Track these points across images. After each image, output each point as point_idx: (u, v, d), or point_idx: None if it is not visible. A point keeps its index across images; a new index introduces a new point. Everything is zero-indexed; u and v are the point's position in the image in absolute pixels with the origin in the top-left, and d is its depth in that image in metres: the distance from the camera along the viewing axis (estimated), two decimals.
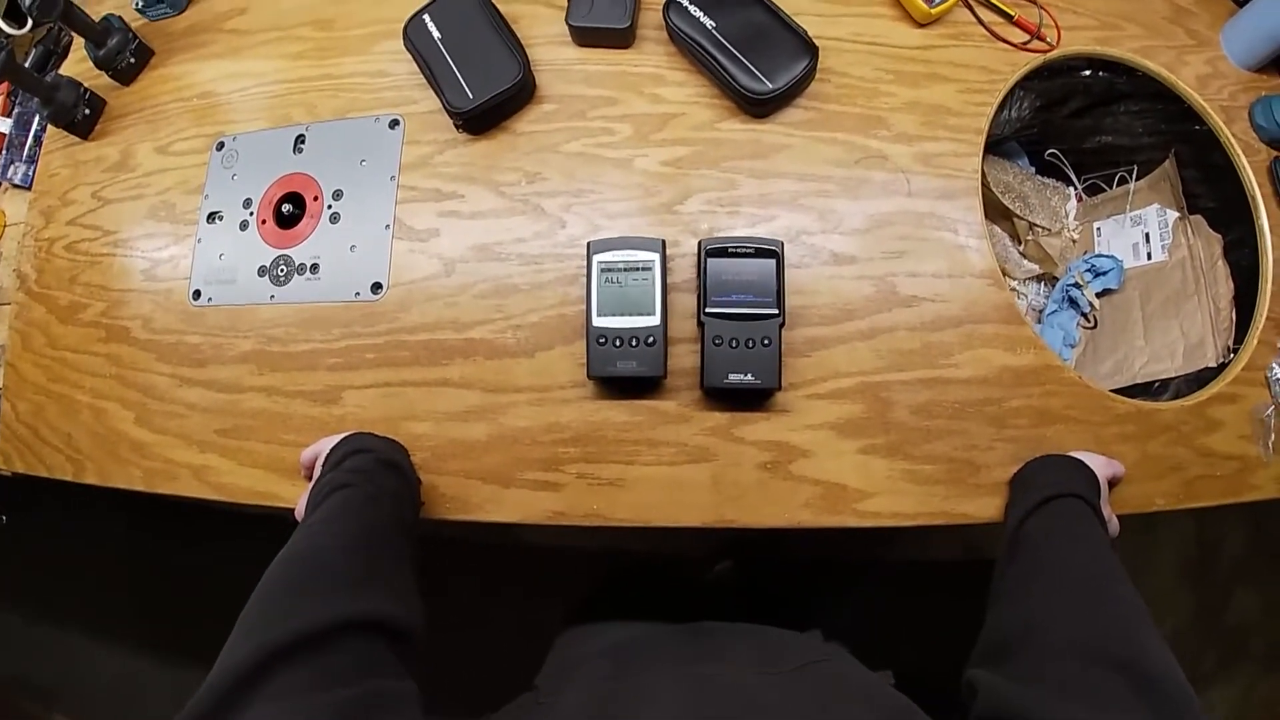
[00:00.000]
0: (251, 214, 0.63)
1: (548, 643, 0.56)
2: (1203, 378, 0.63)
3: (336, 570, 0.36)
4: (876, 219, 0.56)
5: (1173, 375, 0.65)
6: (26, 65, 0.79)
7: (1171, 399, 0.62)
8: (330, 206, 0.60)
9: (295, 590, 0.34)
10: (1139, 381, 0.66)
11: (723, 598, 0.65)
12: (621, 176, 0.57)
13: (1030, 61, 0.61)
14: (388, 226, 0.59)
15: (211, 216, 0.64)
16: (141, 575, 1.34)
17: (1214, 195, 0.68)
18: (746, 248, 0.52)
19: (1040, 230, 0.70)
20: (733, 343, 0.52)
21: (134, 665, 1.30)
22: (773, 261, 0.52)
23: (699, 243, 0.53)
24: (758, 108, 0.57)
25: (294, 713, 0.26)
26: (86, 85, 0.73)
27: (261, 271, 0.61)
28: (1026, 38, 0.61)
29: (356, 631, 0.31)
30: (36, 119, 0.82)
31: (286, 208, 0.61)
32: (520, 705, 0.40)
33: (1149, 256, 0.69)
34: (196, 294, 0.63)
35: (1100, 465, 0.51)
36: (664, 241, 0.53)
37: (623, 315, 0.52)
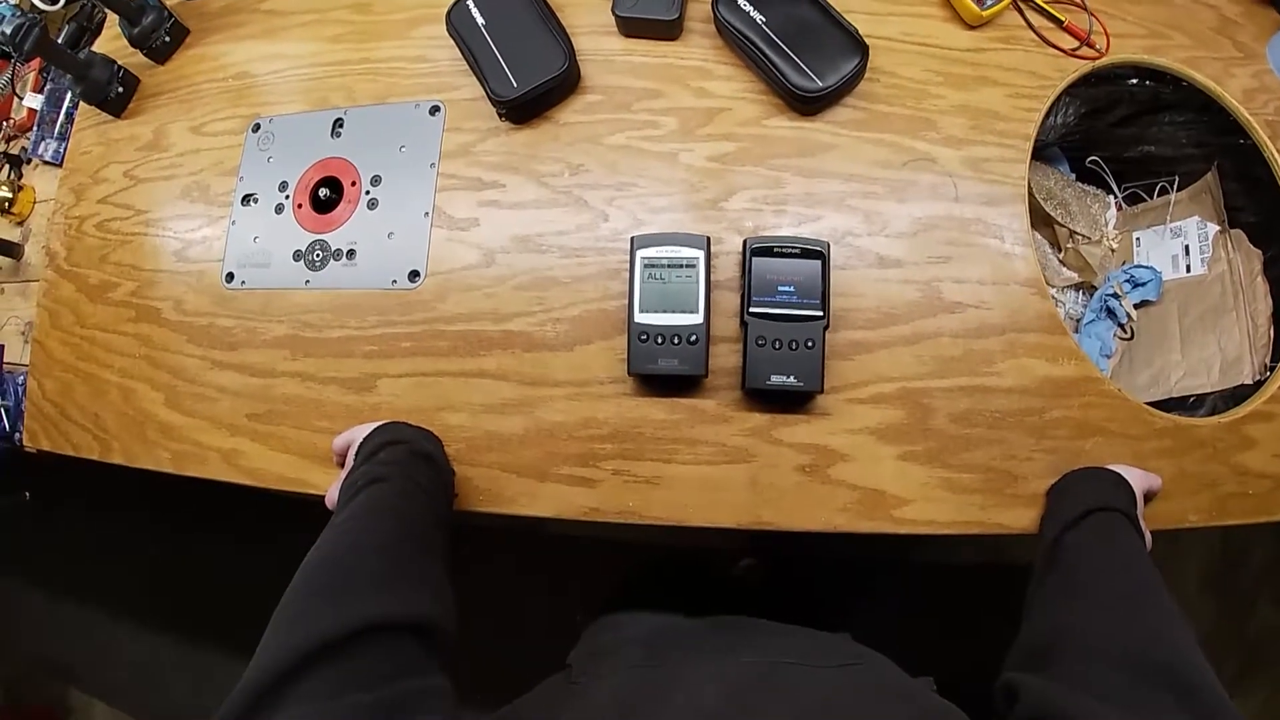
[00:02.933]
0: (287, 197, 0.61)
1: (572, 630, 0.55)
2: (1239, 394, 0.61)
3: (367, 570, 0.35)
4: (923, 223, 0.54)
5: (1209, 391, 0.63)
6: (59, 41, 0.77)
7: (1208, 415, 0.60)
8: (368, 192, 0.58)
9: (326, 591, 0.33)
10: (1174, 395, 0.64)
11: (746, 595, 0.64)
12: (666, 171, 0.55)
13: (1079, 68, 0.59)
14: (427, 214, 0.57)
15: (246, 199, 0.62)
16: (163, 555, 1.33)
17: (1256, 210, 0.66)
18: (792, 248, 0.50)
19: (1080, 238, 0.68)
20: (776, 344, 0.50)
21: (154, 644, 1.30)
22: (818, 263, 0.50)
23: (744, 241, 0.51)
24: (807, 105, 0.54)
25: (322, 716, 0.26)
26: (120, 63, 0.71)
27: (297, 256, 0.59)
28: (1076, 44, 0.59)
29: (386, 633, 0.30)
30: (69, 96, 0.80)
31: (323, 192, 0.59)
32: (552, 685, 0.39)
33: (1188, 269, 0.67)
34: (230, 276, 0.61)
35: (1138, 479, 0.49)
36: (709, 239, 0.50)
37: (665, 312, 0.50)
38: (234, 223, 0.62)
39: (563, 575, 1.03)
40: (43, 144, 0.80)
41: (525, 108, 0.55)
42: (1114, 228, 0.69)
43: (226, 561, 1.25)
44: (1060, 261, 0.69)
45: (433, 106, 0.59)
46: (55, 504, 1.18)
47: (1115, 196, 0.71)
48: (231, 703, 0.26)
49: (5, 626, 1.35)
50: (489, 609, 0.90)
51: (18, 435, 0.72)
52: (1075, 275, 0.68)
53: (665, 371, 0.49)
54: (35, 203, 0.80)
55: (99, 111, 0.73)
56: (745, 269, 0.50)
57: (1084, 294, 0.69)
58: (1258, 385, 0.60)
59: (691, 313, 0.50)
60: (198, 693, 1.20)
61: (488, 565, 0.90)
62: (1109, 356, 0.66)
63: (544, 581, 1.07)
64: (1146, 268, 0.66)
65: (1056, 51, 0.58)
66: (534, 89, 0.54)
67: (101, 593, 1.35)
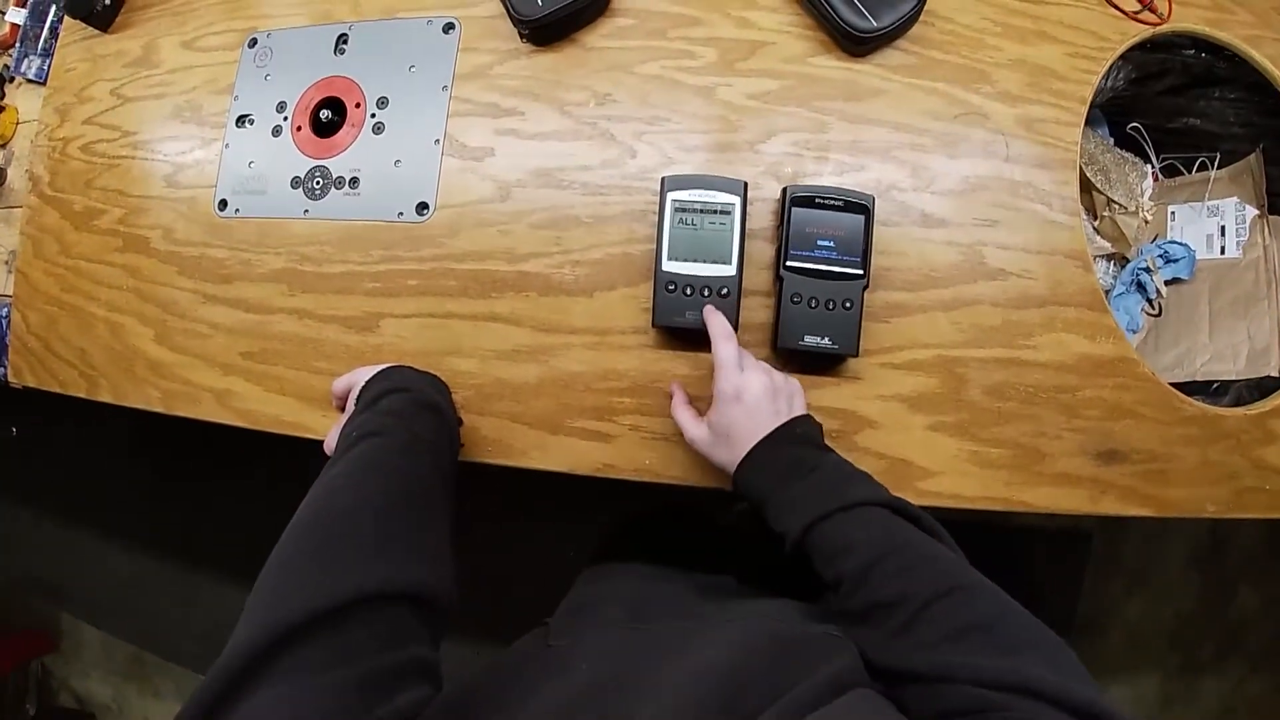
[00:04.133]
0: (286, 119, 0.53)
1: (564, 569, 0.51)
2: (1264, 385, 0.57)
3: (359, 535, 0.30)
4: (971, 182, 0.48)
5: (1234, 378, 0.59)
6: None
7: (1232, 403, 0.56)
8: (374, 115, 0.51)
9: (314, 559, 0.29)
10: (1198, 379, 0.59)
11: (740, 544, 0.60)
12: (701, 106, 0.48)
13: (1140, 32, 0.52)
14: (437, 141, 0.49)
15: (241, 120, 0.54)
16: (150, 479, 1.28)
17: None
18: (835, 200, 0.44)
19: (1117, 207, 0.62)
20: (812, 302, 0.44)
21: (140, 566, 1.26)
22: (862, 218, 0.44)
23: (784, 189, 0.45)
24: (857, 45, 0.47)
25: (302, 693, 0.23)
26: None
27: (295, 183, 0.52)
28: (1138, 7, 0.52)
29: (377, 603, 0.27)
30: (53, 9, 0.70)
31: (325, 114, 0.51)
32: (529, 644, 0.35)
33: (1222, 250, 0.62)
34: (223, 204, 0.54)
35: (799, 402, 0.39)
36: (746, 184, 0.44)
37: (696, 261, 0.44)
38: (228, 146, 0.54)
39: (553, 513, 0.99)
40: (26, 61, 0.71)
41: (550, 28, 0.48)
42: (1150, 198, 0.64)
43: (213, 488, 1.21)
44: (1095, 229, 0.63)
45: (447, 24, 0.51)
46: (43, 430, 1.12)
47: (1153, 166, 0.65)
48: (210, 679, 0.23)
49: None
50: (478, 548, 0.85)
51: (2, 371, 0.65)
52: (1108, 245, 0.62)
53: (693, 325, 0.43)
54: (18, 123, 0.71)
55: (85, 26, 0.64)
56: (784, 219, 0.44)
57: (1115, 265, 0.64)
58: None
59: (724, 264, 0.44)
60: (184, 616, 1.17)
61: (478, 501, 0.85)
62: (1135, 332, 0.61)
63: (534, 521, 1.04)
64: (1181, 244, 0.61)
65: (1118, 13, 0.52)
66: (560, 8, 0.46)
67: (90, 519, 1.30)
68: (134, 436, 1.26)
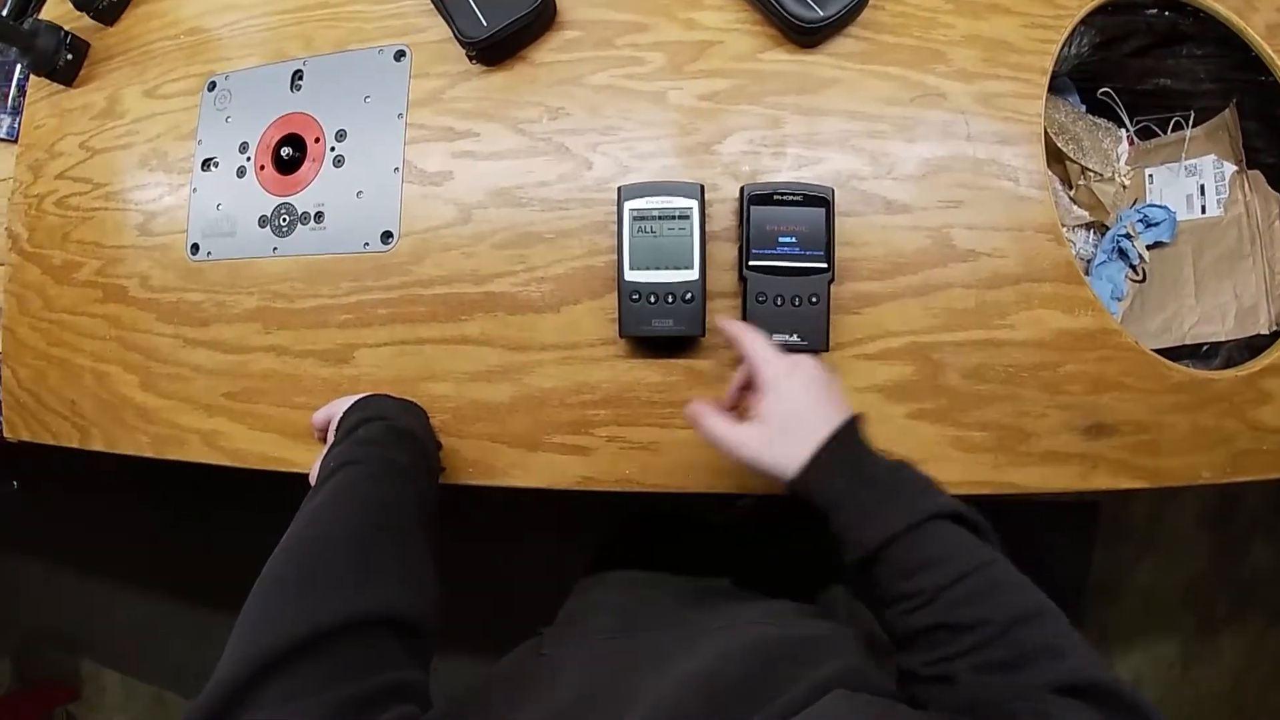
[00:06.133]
0: (249, 159, 0.54)
1: (563, 578, 0.51)
2: (1254, 344, 0.56)
3: (337, 563, 0.31)
4: (933, 164, 0.48)
5: (1223, 339, 0.58)
6: (3, 14, 0.68)
7: (1223, 365, 0.56)
8: (333, 149, 0.51)
9: (294, 589, 0.29)
10: (1187, 342, 0.59)
11: (744, 541, 0.60)
12: (654, 112, 0.48)
13: None
14: (397, 169, 0.50)
15: (206, 163, 0.55)
16: (155, 520, 1.31)
17: (1275, 151, 0.59)
18: (794, 195, 0.44)
19: (1092, 175, 0.62)
20: (778, 300, 0.44)
21: (155, 611, 1.29)
22: (822, 210, 0.44)
23: (741, 188, 0.45)
24: (806, 36, 0.47)
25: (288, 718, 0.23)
26: (67, 29, 0.63)
27: (262, 222, 0.53)
28: None
29: (356, 630, 0.27)
30: (18, 68, 0.72)
31: (286, 151, 0.52)
32: (522, 655, 0.36)
33: (1203, 210, 0.61)
34: (195, 248, 0.55)
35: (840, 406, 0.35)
36: (703, 187, 0.44)
37: (658, 269, 0.44)
38: (195, 190, 0.55)
39: (555, 521, 1.00)
40: None
41: (497, 48, 0.48)
42: (1126, 163, 0.63)
43: (219, 523, 1.23)
44: (1071, 199, 0.62)
45: (398, 51, 0.51)
46: (46, 483, 1.15)
47: (1127, 130, 0.65)
48: (192, 712, 0.24)
49: (8, 605, 1.34)
50: (480, 557, 0.86)
51: None
52: (1087, 214, 0.62)
53: (660, 333, 0.44)
54: None
55: (50, 82, 0.65)
56: (743, 219, 0.44)
57: (1095, 234, 0.63)
58: (1275, 336, 0.55)
59: (686, 269, 0.44)
60: (200, 653, 1.21)
61: (480, 509, 0.86)
62: (1120, 299, 0.61)
63: (537, 528, 1.05)
64: (1160, 207, 0.60)
65: None
66: (505, 27, 0.46)
67: (100, 564, 1.33)
68: (136, 479, 1.28)
